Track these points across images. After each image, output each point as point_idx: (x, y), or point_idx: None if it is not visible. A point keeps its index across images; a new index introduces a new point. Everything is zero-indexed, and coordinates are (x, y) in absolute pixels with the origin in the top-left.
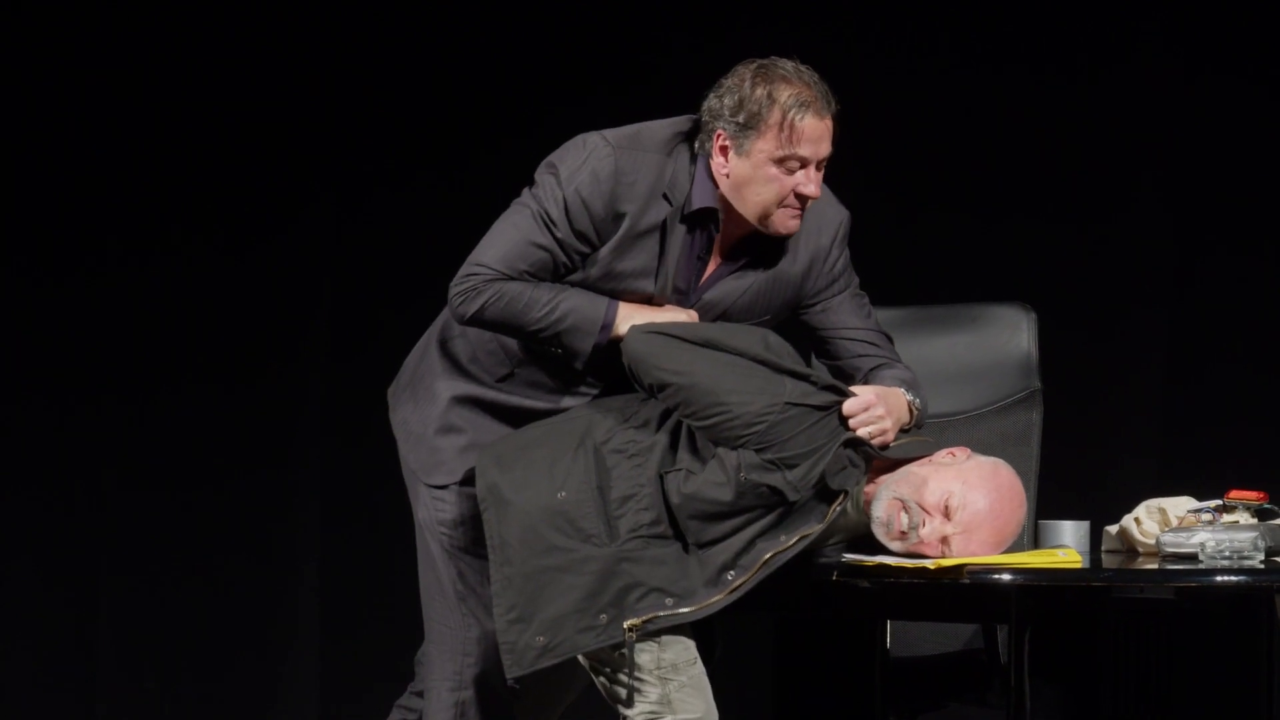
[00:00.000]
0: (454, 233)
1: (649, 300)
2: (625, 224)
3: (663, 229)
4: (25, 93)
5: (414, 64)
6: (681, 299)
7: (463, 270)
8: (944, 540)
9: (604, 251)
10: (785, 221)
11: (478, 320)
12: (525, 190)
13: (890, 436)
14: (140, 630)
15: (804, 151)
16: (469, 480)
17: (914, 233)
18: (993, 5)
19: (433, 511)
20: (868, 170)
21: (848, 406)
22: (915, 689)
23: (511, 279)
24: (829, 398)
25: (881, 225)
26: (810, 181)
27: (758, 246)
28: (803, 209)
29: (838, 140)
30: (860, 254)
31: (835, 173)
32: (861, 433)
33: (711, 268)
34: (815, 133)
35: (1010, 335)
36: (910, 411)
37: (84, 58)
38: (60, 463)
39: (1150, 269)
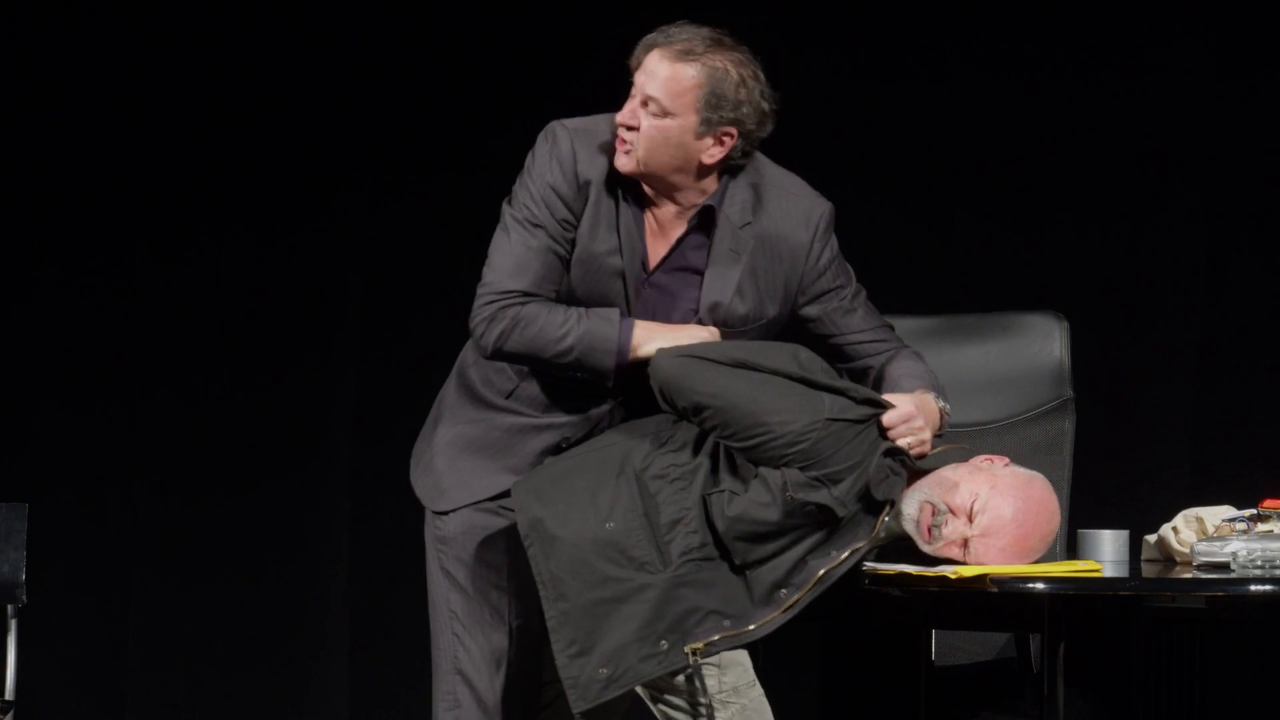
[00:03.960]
0: (485, 233)
1: (622, 276)
2: (591, 194)
3: (615, 202)
4: (54, 90)
5: (443, 60)
6: (654, 288)
7: (476, 301)
8: (964, 543)
9: (581, 230)
10: (617, 156)
11: (500, 353)
12: (504, 204)
13: (929, 447)
14: (170, 634)
15: (635, 79)
16: (468, 503)
17: (946, 241)
18: (1025, 11)
19: (432, 529)
20: (899, 178)
21: (887, 418)
22: (948, 698)
23: (526, 295)
24: (867, 411)
25: (914, 234)
26: (625, 110)
27: (719, 238)
28: (627, 142)
29: (862, 162)
30: (893, 262)
31: (867, 180)
32: (901, 443)
33: (662, 248)
34: (647, 64)
35: (1043, 344)
36: (941, 416)
37: (112, 54)
38: (88, 467)
39: (1183, 277)
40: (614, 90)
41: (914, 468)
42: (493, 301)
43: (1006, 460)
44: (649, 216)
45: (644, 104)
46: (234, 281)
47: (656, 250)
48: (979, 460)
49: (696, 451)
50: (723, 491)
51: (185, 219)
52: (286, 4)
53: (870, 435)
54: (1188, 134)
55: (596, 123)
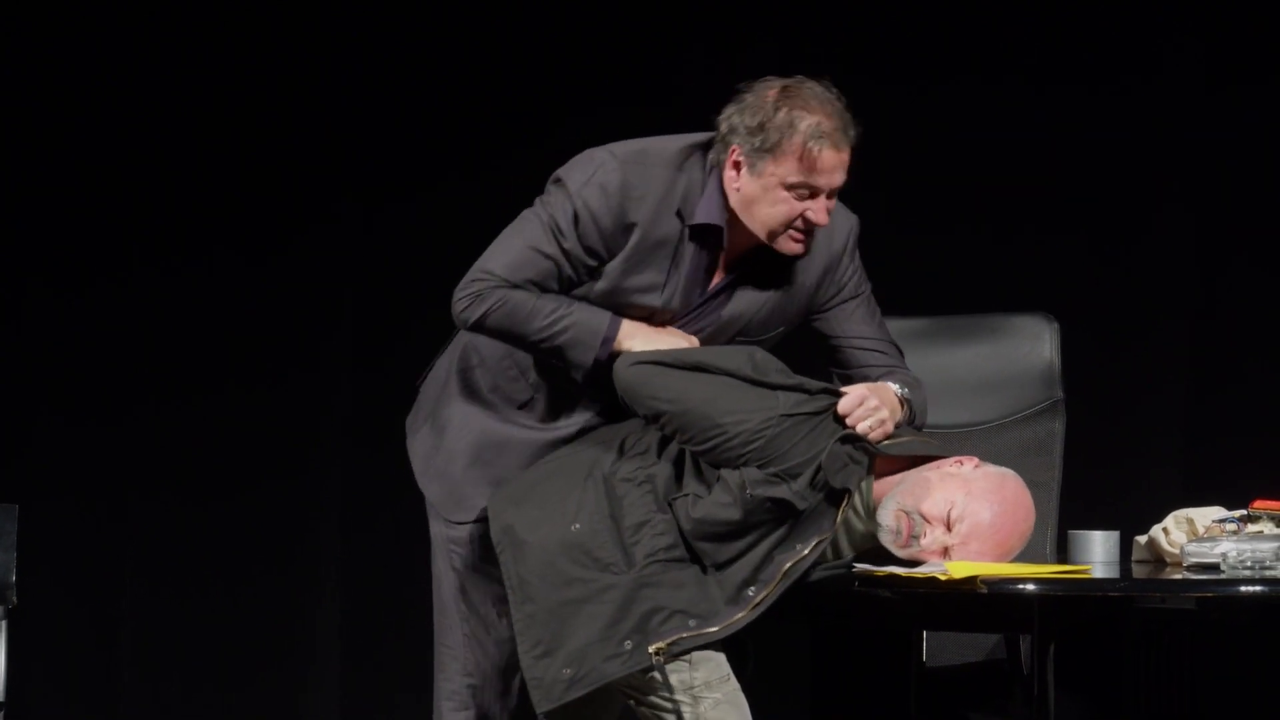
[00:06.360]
0: (478, 240)
1: (651, 315)
2: (636, 235)
3: (675, 244)
4: (50, 97)
5: (436, 71)
6: (685, 313)
7: (468, 276)
8: (945, 551)
9: (614, 264)
10: (789, 244)
11: (479, 326)
12: (536, 200)
13: (889, 427)
14: (162, 638)
15: (818, 182)
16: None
17: (936, 243)
18: (1017, 17)
19: (444, 528)
20: (891, 180)
21: (841, 405)
22: (939, 699)
23: (517, 287)
24: (823, 402)
25: (904, 235)
26: (820, 210)
27: (764, 258)
28: (809, 235)
29: (854, 164)
30: (883, 264)
31: (859, 182)
32: (860, 428)
33: (716, 280)
34: (830, 164)
35: (1032, 345)
36: (901, 404)
37: (107, 66)
38: (82, 469)
39: (1173, 278)
40: (611, 103)
41: (875, 453)
42: (481, 280)
43: (976, 461)
44: (725, 253)
45: (830, 195)
46: (228, 286)
47: (717, 280)
48: (949, 465)
49: (659, 455)
50: (687, 495)
51: (180, 224)
52: (282, 14)
53: (828, 427)
54: (1179, 139)
55: (645, 154)
